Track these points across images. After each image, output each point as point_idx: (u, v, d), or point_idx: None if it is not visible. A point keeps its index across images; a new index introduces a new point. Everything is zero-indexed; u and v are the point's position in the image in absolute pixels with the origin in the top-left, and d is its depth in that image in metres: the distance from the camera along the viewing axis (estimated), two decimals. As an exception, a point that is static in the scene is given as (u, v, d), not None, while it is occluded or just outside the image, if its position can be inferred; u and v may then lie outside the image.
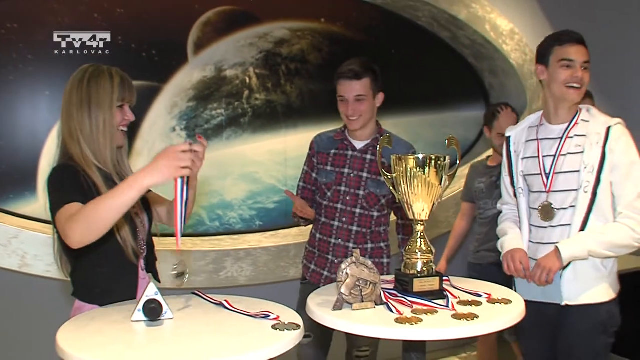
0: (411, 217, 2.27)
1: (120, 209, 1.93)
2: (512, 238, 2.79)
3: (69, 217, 1.98)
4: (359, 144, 3.13)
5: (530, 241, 2.75)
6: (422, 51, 5.12)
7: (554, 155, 2.67)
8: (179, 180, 1.97)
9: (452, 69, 5.27)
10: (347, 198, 3.08)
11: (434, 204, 2.24)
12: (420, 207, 2.23)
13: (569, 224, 2.61)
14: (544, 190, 2.69)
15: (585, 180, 2.57)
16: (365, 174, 3.08)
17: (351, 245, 3.08)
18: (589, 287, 2.61)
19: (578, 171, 2.60)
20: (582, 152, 2.60)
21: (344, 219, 3.09)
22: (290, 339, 1.81)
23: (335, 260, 3.11)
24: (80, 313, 2.19)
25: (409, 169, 2.19)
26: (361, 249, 3.08)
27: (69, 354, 1.71)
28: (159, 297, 1.97)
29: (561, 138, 2.67)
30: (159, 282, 2.44)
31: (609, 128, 2.59)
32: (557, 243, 2.59)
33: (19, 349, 3.81)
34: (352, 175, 3.09)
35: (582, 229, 2.57)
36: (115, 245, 2.24)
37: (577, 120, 2.67)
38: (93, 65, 2.30)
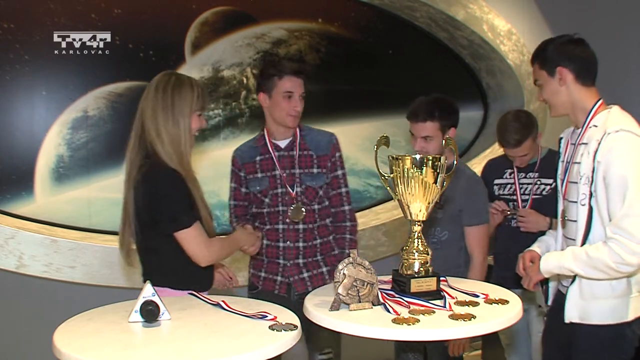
0: (408, 217, 2.27)
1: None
2: (536, 242, 2.72)
3: (206, 240, 2.44)
4: (283, 143, 3.09)
5: (561, 248, 2.59)
6: (420, 51, 5.12)
7: (569, 162, 2.53)
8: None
9: (449, 70, 5.26)
10: (286, 198, 3.04)
11: (430, 204, 2.24)
12: (417, 207, 2.23)
13: (574, 239, 2.44)
14: (562, 197, 2.59)
15: (582, 192, 2.39)
16: (297, 170, 3.05)
17: (301, 244, 3.05)
18: (594, 306, 2.41)
19: (577, 182, 2.44)
20: (580, 162, 2.42)
21: (288, 220, 3.05)
22: (288, 340, 1.81)
23: (288, 264, 3.06)
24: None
25: (406, 169, 2.19)
26: (310, 246, 3.06)
27: (65, 354, 1.71)
28: (156, 298, 1.97)
29: (574, 144, 2.53)
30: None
31: (604, 135, 2.34)
32: None
33: (16, 350, 3.81)
34: (284, 174, 3.05)
35: (584, 244, 2.39)
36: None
37: (587, 125, 2.45)
38: (174, 73, 2.59)
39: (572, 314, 2.45)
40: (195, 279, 2.50)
